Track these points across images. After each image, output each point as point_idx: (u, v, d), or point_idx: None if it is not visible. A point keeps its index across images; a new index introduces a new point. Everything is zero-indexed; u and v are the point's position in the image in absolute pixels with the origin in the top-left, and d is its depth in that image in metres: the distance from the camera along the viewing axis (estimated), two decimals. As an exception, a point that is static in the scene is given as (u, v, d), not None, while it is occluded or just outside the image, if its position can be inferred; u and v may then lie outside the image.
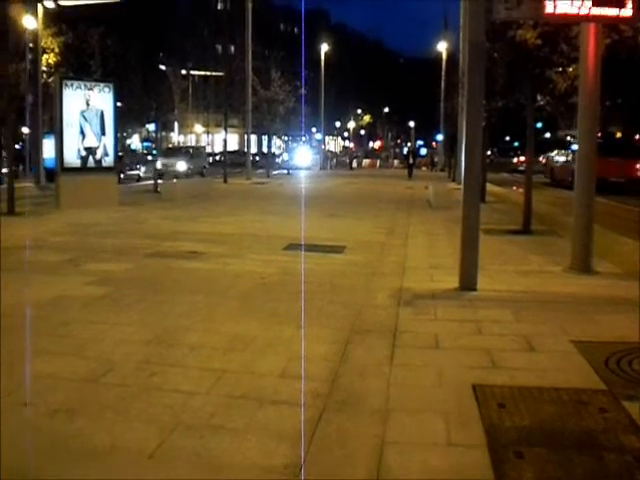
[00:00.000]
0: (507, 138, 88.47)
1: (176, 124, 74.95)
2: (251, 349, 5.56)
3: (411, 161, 46.62)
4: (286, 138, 78.72)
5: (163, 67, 69.32)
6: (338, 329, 6.12)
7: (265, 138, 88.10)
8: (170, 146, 55.04)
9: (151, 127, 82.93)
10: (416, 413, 4.20)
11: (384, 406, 4.28)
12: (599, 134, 9.72)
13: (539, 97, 13.52)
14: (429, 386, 4.67)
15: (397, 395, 4.48)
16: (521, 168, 40.96)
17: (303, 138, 75.00)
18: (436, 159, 63.71)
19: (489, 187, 22.27)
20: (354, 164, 64.48)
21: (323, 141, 76.31)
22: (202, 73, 75.43)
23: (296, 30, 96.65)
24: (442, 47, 54.18)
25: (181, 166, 37.29)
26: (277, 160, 58.37)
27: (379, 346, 5.56)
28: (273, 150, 75.87)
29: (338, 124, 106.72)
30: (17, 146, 40.32)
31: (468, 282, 7.78)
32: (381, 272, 9.17)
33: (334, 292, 7.85)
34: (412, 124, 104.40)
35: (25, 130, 41.23)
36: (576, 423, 4.03)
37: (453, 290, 7.78)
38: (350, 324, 6.29)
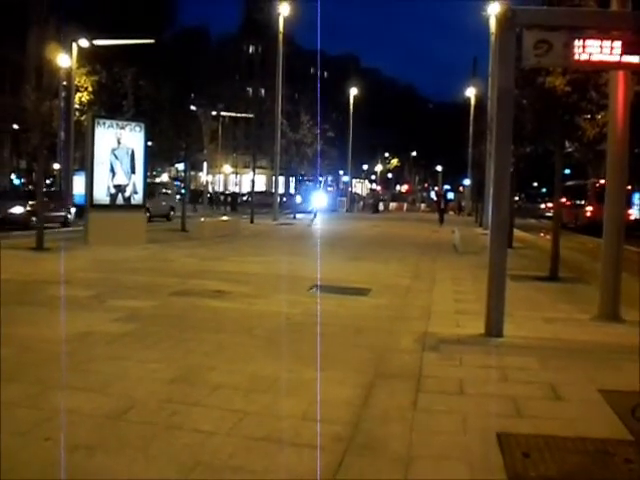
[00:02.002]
0: (535, 184, 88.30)
1: (205, 164, 75.57)
2: (274, 390, 5.53)
3: (442, 205, 44.30)
4: (300, 178, 78.12)
5: (194, 108, 70.13)
6: (361, 372, 6.08)
7: (292, 179, 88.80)
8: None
9: (180, 166, 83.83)
10: (439, 460, 4.14)
11: (406, 452, 4.22)
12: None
13: (567, 144, 13.51)
14: (453, 433, 4.60)
15: (420, 441, 4.42)
16: (548, 214, 40.79)
17: (321, 179, 74.20)
18: (463, 203, 63.69)
19: (516, 233, 22.12)
20: (381, 207, 64.25)
21: (350, 183, 76.55)
22: (232, 115, 76.14)
23: (326, 74, 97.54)
24: (470, 93, 54.50)
25: None
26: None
27: (403, 391, 5.50)
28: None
29: (365, 167, 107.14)
30: (48, 181, 40.89)
31: (494, 328, 7.70)
32: (406, 316, 9.11)
33: (358, 335, 7.81)
34: (439, 168, 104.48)
35: (56, 166, 41.95)
36: (601, 474, 3.95)
37: (479, 336, 7.69)
38: (374, 368, 6.24)
